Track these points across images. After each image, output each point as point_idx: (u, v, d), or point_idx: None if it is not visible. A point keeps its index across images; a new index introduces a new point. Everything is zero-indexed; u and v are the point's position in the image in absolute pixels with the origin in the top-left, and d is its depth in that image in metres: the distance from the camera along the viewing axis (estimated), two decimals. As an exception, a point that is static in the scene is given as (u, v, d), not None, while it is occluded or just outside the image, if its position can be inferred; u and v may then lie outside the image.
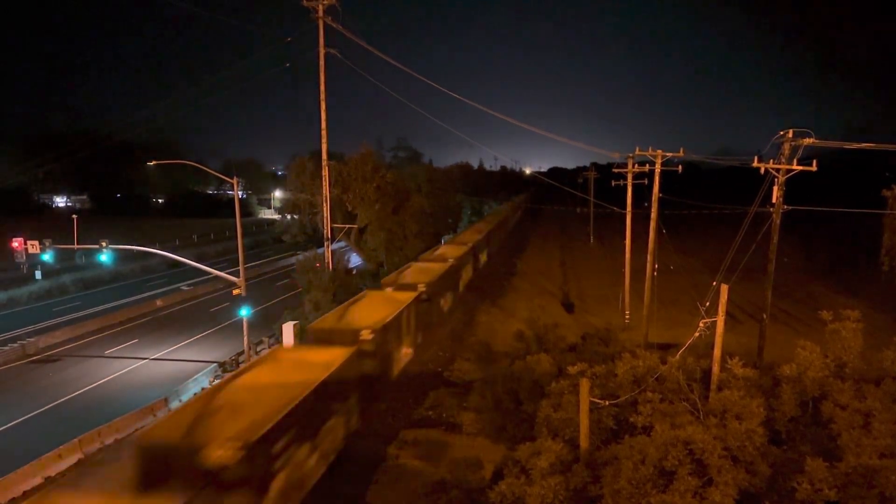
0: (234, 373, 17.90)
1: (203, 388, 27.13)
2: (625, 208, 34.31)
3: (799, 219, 27.33)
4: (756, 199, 21.86)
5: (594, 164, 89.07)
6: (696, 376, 17.96)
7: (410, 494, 17.12)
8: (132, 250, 34.11)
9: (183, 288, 51.05)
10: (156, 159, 39.24)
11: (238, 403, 14.79)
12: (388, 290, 28.86)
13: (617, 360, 19.13)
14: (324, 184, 32.76)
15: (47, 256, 26.51)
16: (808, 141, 21.33)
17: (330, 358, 18.25)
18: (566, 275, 53.23)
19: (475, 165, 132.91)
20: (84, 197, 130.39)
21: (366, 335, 21.11)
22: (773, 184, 22.14)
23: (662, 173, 29.66)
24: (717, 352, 17.56)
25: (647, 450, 13.74)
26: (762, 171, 22.33)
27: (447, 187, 67.66)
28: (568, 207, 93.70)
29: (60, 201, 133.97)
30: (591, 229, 74.94)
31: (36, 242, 25.87)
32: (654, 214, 29.55)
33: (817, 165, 21.87)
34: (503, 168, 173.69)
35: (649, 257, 30.03)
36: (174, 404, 25.27)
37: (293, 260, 43.37)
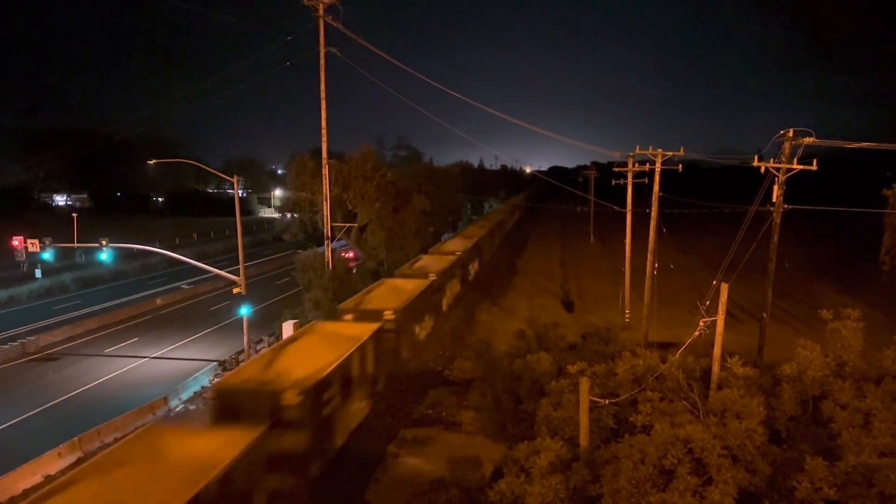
0: (283, 341, 21.73)
1: (203, 387, 27.17)
2: (625, 207, 34.33)
3: (799, 218, 27.30)
4: (756, 198, 21.84)
5: (595, 163, 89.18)
6: (696, 375, 17.93)
7: (410, 493, 17.11)
8: (132, 249, 34.16)
9: (183, 286, 51.08)
10: (156, 158, 39.21)
11: (291, 363, 18.23)
12: (399, 279, 32.64)
13: (617, 359, 19.08)
14: (324, 182, 32.72)
15: (47, 255, 26.51)
16: (808, 140, 21.31)
17: (359, 332, 21.99)
18: (566, 274, 53.23)
19: (476, 164, 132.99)
20: (84, 195, 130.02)
21: (388, 315, 25.02)
22: (773, 183, 22.13)
23: (663, 172, 29.67)
24: (717, 351, 17.54)
25: (646, 449, 13.72)
26: (762, 170, 22.32)
27: (448, 186, 67.58)
28: (568, 206, 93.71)
29: (60, 200, 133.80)
30: (592, 228, 74.95)
31: (36, 241, 25.87)
32: (654, 213, 29.54)
33: (817, 164, 21.86)
34: (504, 167, 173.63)
35: (649, 256, 30.03)
36: (174, 403, 25.30)
37: (293, 258, 43.39)
